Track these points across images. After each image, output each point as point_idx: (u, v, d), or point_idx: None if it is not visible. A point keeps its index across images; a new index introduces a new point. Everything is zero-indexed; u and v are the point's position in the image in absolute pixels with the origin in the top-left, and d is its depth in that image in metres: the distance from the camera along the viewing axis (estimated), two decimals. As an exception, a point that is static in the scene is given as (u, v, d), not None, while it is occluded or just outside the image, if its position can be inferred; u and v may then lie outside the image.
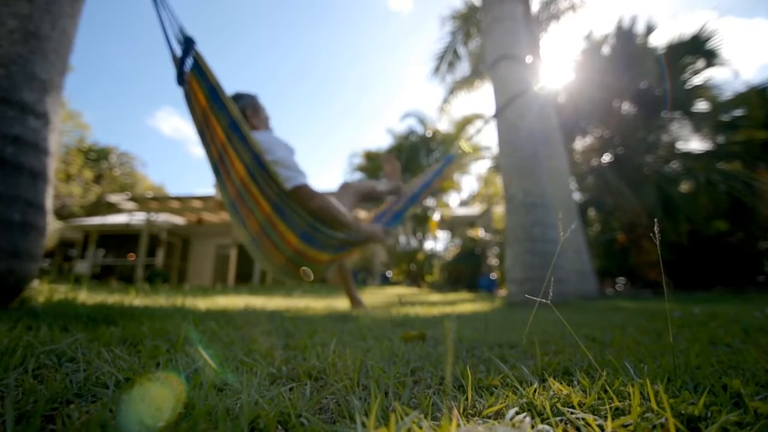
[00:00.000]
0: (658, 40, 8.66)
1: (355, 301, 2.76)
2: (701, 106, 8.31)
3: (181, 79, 1.64)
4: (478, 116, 13.02)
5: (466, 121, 13.08)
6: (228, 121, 1.66)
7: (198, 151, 63.71)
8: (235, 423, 0.37)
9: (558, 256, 3.99)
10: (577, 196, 9.61)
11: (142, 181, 25.18)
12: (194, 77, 1.63)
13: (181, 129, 60.07)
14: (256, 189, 1.81)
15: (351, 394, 0.51)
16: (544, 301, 0.65)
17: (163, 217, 11.42)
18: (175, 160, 64.74)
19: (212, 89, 1.63)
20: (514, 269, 3.58)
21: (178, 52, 1.61)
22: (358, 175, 14.15)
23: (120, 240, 12.45)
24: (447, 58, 9.55)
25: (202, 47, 1.62)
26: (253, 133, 1.85)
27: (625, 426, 0.40)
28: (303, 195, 1.86)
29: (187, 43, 1.60)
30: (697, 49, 8.16)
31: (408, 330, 1.23)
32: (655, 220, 0.62)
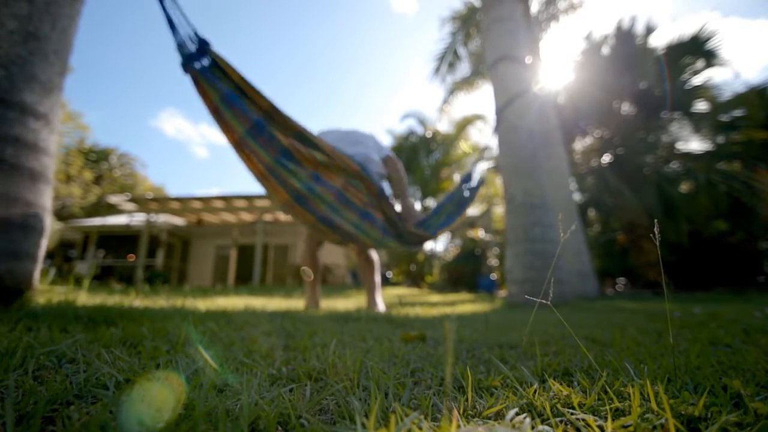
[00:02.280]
0: (658, 41, 8.68)
1: (371, 302, 2.69)
2: (701, 106, 8.32)
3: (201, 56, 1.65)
4: (478, 117, 13.02)
5: (466, 122, 13.08)
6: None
7: (201, 151, 63.78)
8: (235, 424, 0.37)
9: (558, 256, 3.99)
10: (577, 196, 9.61)
11: (143, 182, 25.19)
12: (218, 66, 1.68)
13: (184, 130, 60.19)
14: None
15: (351, 395, 0.51)
16: (544, 301, 0.65)
17: (163, 218, 11.42)
18: (177, 160, 64.90)
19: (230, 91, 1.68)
20: (514, 270, 3.58)
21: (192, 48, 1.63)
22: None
23: (120, 241, 12.45)
24: (447, 58, 9.57)
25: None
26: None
27: (625, 426, 0.40)
28: (392, 163, 2.51)
29: (202, 45, 1.63)
30: (696, 49, 8.17)
31: (408, 331, 1.23)
32: (656, 220, 0.62)
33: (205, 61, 1.64)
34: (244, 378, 0.56)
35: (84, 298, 2.00)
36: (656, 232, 0.58)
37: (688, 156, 8.63)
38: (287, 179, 1.94)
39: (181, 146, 63.46)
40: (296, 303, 3.25)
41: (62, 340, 0.76)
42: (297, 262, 11.78)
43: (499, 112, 3.93)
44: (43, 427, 0.38)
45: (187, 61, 1.62)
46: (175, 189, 60.69)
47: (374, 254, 2.77)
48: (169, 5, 1.57)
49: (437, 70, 9.79)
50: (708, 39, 8.08)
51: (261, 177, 1.98)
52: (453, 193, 2.67)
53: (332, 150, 1.98)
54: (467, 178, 2.75)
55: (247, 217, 11.15)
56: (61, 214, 16.85)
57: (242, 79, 1.70)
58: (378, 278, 2.76)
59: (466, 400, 0.50)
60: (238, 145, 1.86)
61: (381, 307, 2.65)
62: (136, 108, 60.93)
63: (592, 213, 10.14)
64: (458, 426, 0.36)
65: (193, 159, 65.89)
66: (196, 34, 1.64)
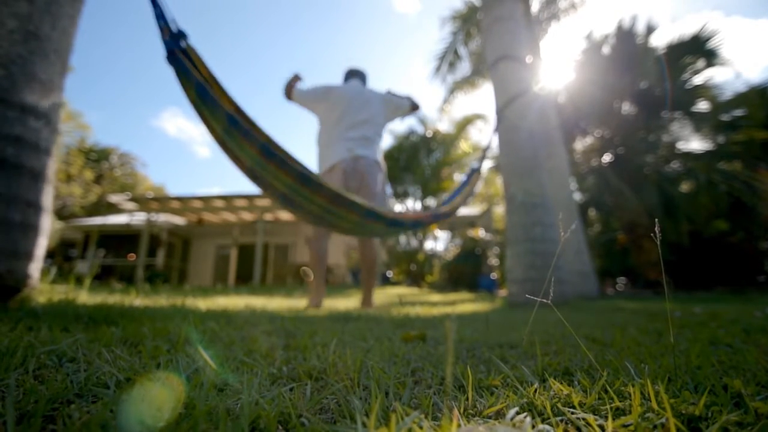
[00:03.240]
0: (659, 40, 8.67)
1: (365, 301, 2.82)
2: (702, 106, 8.31)
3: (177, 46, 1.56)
4: (478, 116, 13.02)
5: (467, 121, 13.08)
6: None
7: (202, 151, 63.82)
8: (235, 423, 0.37)
9: (558, 256, 3.99)
10: (577, 196, 9.60)
11: (143, 182, 25.21)
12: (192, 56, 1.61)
13: (185, 129, 60.22)
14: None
15: (351, 394, 0.51)
16: (544, 301, 0.65)
17: (164, 218, 11.43)
18: (179, 160, 64.99)
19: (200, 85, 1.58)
20: (514, 269, 3.57)
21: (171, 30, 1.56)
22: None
23: (120, 240, 12.47)
24: (448, 58, 9.56)
25: (203, 44, 1.60)
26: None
27: (625, 426, 0.40)
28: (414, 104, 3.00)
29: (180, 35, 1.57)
30: (697, 48, 8.16)
31: (408, 330, 1.23)
32: (656, 220, 0.62)
33: (181, 53, 1.57)
34: (244, 377, 0.56)
35: (84, 297, 2.00)
36: (657, 232, 0.58)
37: (689, 156, 8.62)
38: (273, 180, 1.73)
39: (182, 146, 63.55)
40: (297, 302, 3.25)
41: (63, 339, 0.76)
42: (297, 261, 11.78)
43: (500, 111, 3.93)
44: (44, 425, 0.38)
45: (169, 49, 1.55)
46: (176, 188, 60.88)
47: (375, 253, 2.81)
48: None
49: (438, 69, 9.78)
50: (709, 38, 8.07)
51: (249, 176, 1.82)
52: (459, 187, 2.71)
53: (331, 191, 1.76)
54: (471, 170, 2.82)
55: (247, 216, 11.15)
56: (61, 214, 16.87)
57: (211, 75, 1.62)
58: (374, 278, 2.87)
59: (467, 399, 0.50)
60: (222, 140, 1.70)
61: (372, 300, 2.84)
62: (138, 108, 61.11)
63: (592, 213, 10.13)
64: (459, 425, 0.36)
65: (194, 158, 65.99)
66: (174, 24, 1.56)
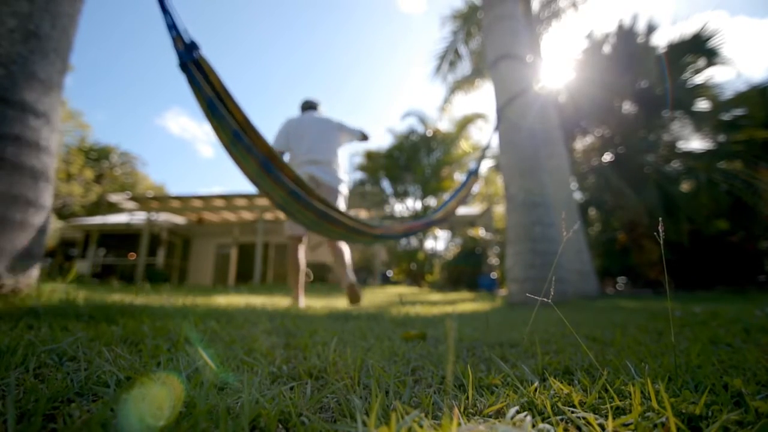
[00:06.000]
0: (660, 39, 8.63)
1: (344, 281, 2.91)
2: (702, 105, 8.29)
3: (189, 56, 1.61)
4: (479, 115, 13.00)
5: (467, 121, 13.06)
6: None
7: (206, 150, 63.96)
8: (236, 422, 0.37)
9: (559, 255, 3.99)
10: (577, 195, 9.60)
11: (143, 181, 25.19)
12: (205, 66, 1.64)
13: (189, 128, 60.43)
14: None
15: (352, 393, 0.51)
16: (545, 300, 0.65)
17: (164, 217, 11.43)
18: (183, 159, 65.21)
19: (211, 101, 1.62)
20: (514, 269, 3.57)
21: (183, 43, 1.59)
22: (359, 174, 14.12)
23: (121, 239, 12.47)
24: (448, 57, 9.55)
25: (203, 43, 1.61)
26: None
27: (625, 425, 0.40)
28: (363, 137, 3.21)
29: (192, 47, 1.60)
30: (698, 47, 8.14)
31: (408, 329, 1.24)
32: (660, 219, 0.61)
33: (193, 65, 1.61)
34: (244, 376, 0.56)
35: (85, 296, 2.00)
36: (660, 231, 0.58)
37: (689, 155, 8.61)
38: (269, 192, 1.90)
39: (186, 145, 63.81)
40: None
41: (63, 338, 0.76)
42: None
43: (500, 110, 3.92)
44: (44, 424, 0.38)
45: (182, 61, 1.60)
46: (178, 187, 61.24)
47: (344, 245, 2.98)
48: (168, 3, 1.56)
49: (438, 68, 9.77)
50: (710, 37, 8.04)
51: (252, 183, 1.96)
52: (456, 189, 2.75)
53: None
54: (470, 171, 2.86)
55: (247, 215, 11.16)
56: (62, 213, 16.87)
57: (223, 88, 1.67)
58: (348, 259, 3.01)
59: (467, 398, 0.50)
60: (228, 149, 1.80)
61: (352, 277, 2.93)
62: (142, 107, 61.37)
63: (592, 212, 10.12)
64: (459, 424, 0.36)
65: (198, 157, 66.25)
66: (186, 35, 1.61)
